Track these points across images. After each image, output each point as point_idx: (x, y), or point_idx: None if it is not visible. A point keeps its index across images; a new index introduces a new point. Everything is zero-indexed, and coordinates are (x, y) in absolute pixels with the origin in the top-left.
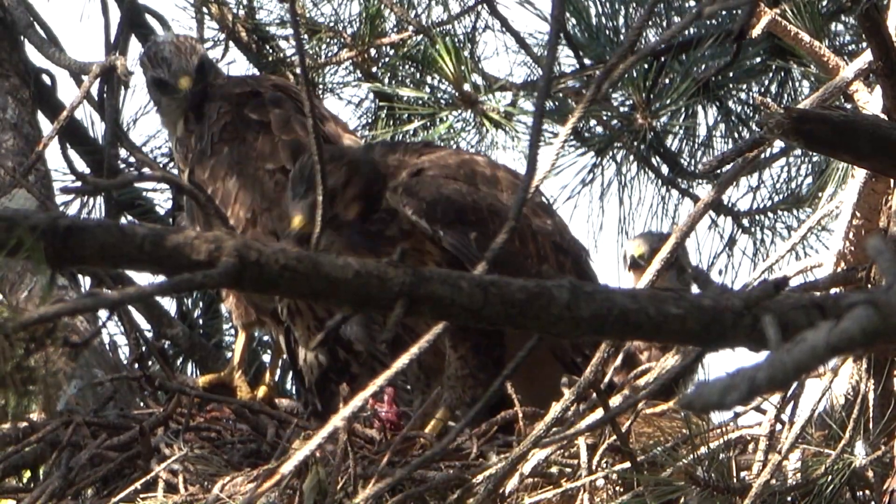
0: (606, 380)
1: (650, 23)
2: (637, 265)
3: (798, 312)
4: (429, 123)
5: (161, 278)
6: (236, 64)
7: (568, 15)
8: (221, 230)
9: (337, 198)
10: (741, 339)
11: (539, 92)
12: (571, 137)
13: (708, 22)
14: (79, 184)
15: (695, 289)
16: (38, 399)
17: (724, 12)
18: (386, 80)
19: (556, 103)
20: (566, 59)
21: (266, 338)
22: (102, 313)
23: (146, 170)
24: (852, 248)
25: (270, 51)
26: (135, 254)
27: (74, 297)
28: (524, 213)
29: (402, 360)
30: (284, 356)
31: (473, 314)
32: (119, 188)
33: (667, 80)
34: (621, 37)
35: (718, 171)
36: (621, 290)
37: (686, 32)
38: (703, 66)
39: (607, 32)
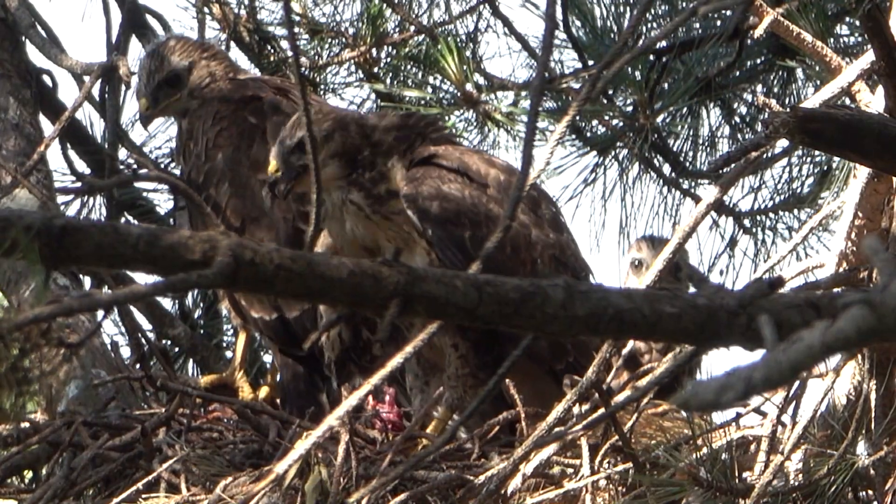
0: (608, 381)
1: (656, 23)
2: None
3: (792, 311)
4: None
5: (157, 278)
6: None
7: (573, 17)
8: (217, 230)
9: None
10: (736, 337)
11: (533, 91)
12: (573, 137)
13: (710, 20)
14: (78, 184)
15: (692, 288)
16: (34, 399)
17: (728, 12)
18: (388, 81)
19: (559, 103)
20: (571, 62)
21: None
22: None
23: (145, 170)
24: (854, 249)
25: (272, 51)
26: (130, 254)
27: (69, 297)
28: (524, 221)
29: (397, 360)
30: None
31: (468, 313)
32: (115, 187)
33: (669, 81)
34: (633, 39)
35: (722, 171)
36: (616, 289)
37: (689, 32)
38: (706, 66)
39: (612, 35)
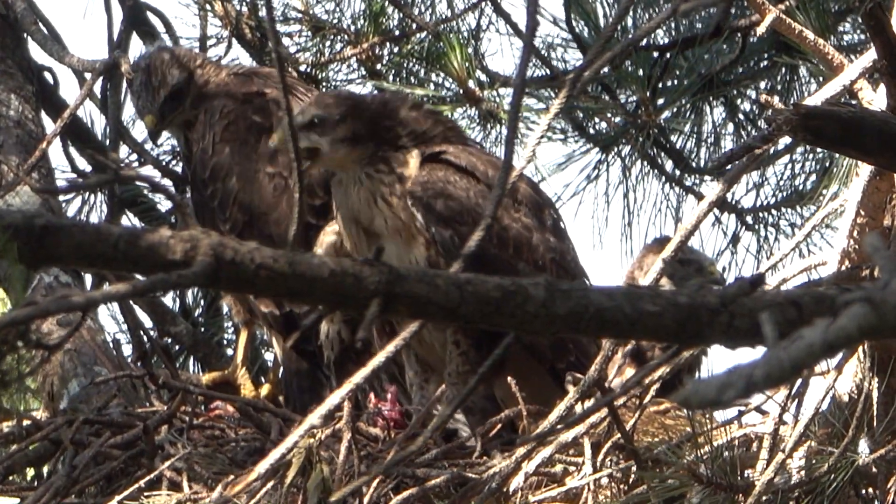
0: (610, 379)
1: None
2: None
3: (774, 310)
4: None
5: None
6: (239, 61)
7: (576, 16)
8: (198, 229)
9: (326, 131)
10: (717, 336)
11: (515, 88)
12: (576, 134)
13: (712, 18)
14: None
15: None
16: (11, 401)
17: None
18: (390, 78)
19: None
20: (575, 60)
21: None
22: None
23: (145, 169)
24: (856, 247)
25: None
26: (110, 253)
27: (46, 299)
28: (527, 224)
29: (379, 359)
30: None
31: (450, 312)
32: (95, 188)
33: (672, 78)
34: (629, 37)
35: (725, 168)
36: (598, 287)
37: (692, 28)
38: (710, 63)
39: (615, 33)
